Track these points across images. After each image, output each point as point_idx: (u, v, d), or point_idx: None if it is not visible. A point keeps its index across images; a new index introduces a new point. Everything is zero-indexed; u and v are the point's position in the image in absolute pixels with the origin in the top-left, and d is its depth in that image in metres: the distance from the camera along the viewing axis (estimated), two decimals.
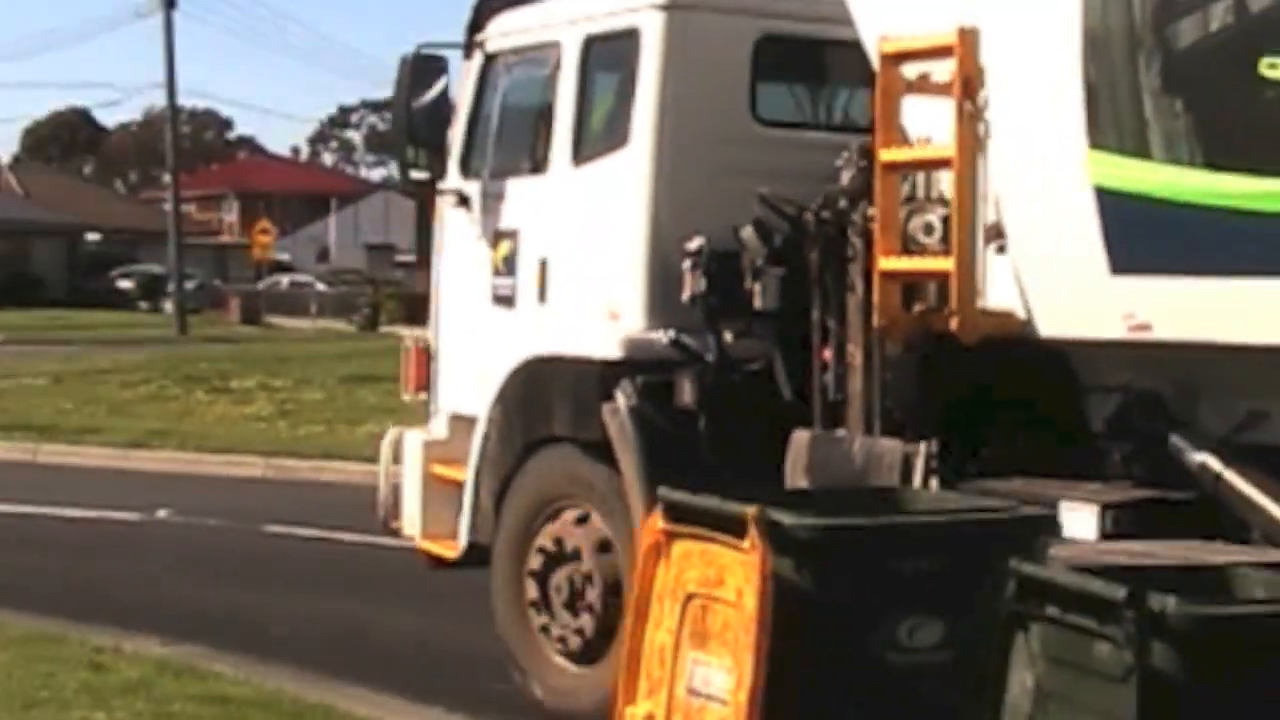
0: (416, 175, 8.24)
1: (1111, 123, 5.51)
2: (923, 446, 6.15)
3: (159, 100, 71.15)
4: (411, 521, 8.42)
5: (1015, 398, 6.11)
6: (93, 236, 61.47)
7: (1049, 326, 5.87)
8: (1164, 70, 5.37)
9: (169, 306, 43.38)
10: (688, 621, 5.11)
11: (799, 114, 7.75)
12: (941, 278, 6.03)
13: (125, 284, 55.83)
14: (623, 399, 7.21)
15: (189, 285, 45.05)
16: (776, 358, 6.92)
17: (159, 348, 30.51)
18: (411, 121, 8.14)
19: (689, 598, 5.12)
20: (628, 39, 7.56)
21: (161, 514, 13.52)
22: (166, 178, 47.95)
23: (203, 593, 10.32)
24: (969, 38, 5.90)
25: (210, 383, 22.66)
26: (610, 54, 7.68)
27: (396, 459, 8.56)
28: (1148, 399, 5.85)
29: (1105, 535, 5.67)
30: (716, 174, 7.23)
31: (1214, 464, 5.49)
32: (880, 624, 4.95)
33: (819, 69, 7.68)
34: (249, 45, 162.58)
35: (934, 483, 6.11)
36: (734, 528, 5.05)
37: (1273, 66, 5.00)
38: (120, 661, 7.90)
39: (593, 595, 7.40)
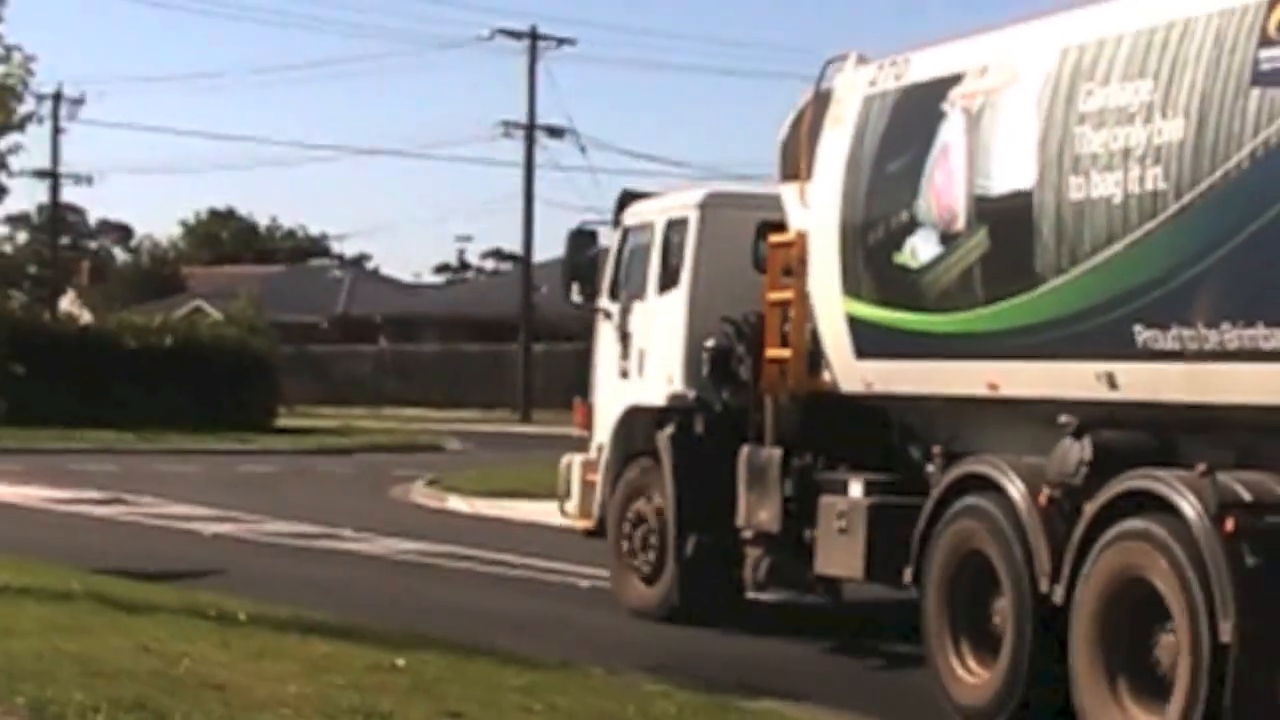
0: (575, 300, 15.14)
1: (851, 282, 11.68)
2: (779, 451, 12.47)
3: None
4: (571, 508, 15.20)
5: (834, 424, 12.27)
6: None
7: (843, 386, 12.03)
8: (865, 256, 11.52)
9: None
10: None
11: None
12: (792, 361, 12.35)
13: None
14: (667, 430, 13.81)
15: None
16: (743, 406, 13.31)
17: None
18: (574, 269, 15.05)
19: None
20: (683, 223, 14.20)
21: None
22: None
23: None
24: (800, 238, 12.23)
25: None
26: (676, 231, 14.31)
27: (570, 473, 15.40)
28: (889, 424, 11.92)
29: (865, 494, 11.78)
30: (729, 302, 13.67)
31: (974, 463, 11.38)
32: None
33: None
34: None
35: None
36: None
37: (899, 260, 11.09)
38: None
39: (654, 540, 13.98)
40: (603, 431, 15.01)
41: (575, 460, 15.28)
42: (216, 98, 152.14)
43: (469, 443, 40.82)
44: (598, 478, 14.84)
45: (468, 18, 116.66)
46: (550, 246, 59.50)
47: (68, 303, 69.01)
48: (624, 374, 14.81)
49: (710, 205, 14.19)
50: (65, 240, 77.07)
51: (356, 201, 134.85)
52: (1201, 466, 8.74)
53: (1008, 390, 10.37)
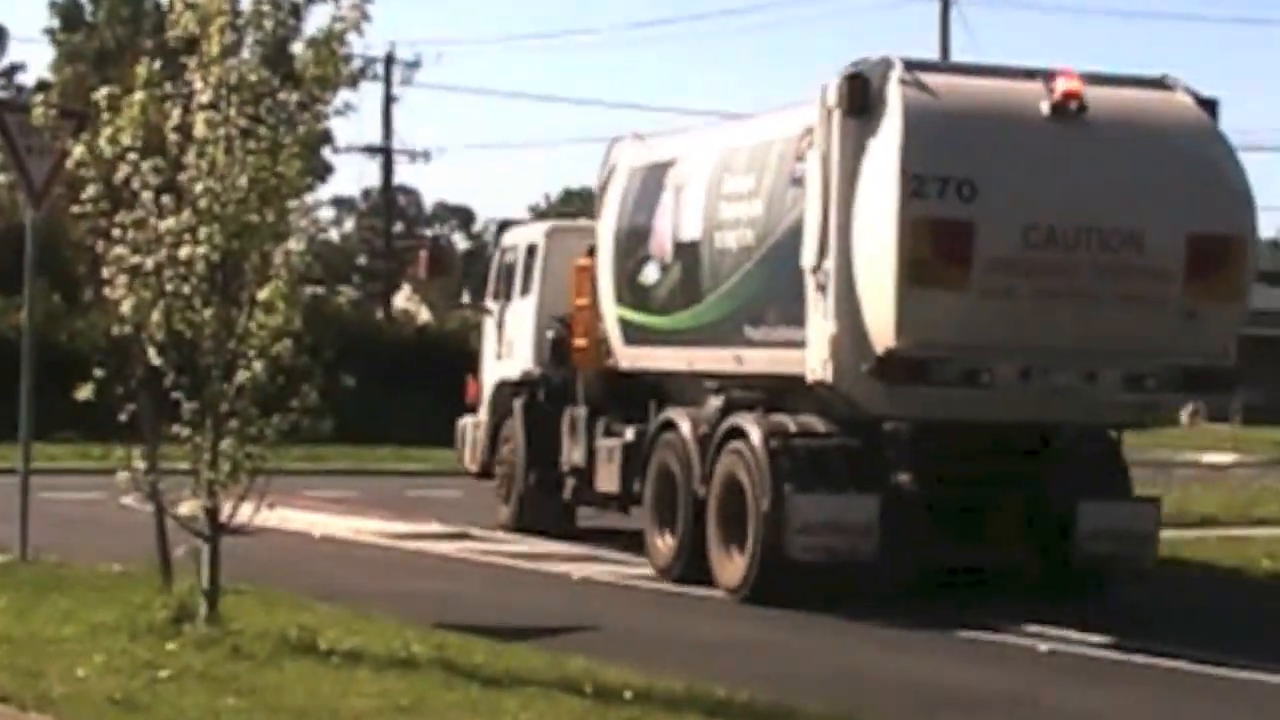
0: (464, 300, 22.95)
1: (619, 294, 19.27)
2: (585, 410, 20.11)
3: None
4: (467, 458, 22.95)
5: (619, 391, 19.85)
6: None
7: (621, 365, 19.64)
8: (625, 277, 19.08)
9: None
10: None
11: None
12: (590, 347, 20.04)
13: None
14: (520, 398, 21.55)
15: None
16: (570, 380, 20.97)
17: None
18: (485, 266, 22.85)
19: None
20: (536, 247, 21.91)
21: None
22: None
23: None
24: (593, 262, 19.90)
25: None
26: (531, 252, 22.00)
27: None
28: (648, 387, 19.52)
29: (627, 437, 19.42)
30: (566, 304, 21.29)
31: (669, 412, 18.84)
32: None
33: None
34: None
35: (600, 426, 19.96)
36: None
37: (641, 280, 18.66)
38: None
39: (510, 475, 21.72)
40: (485, 401, 22.73)
41: (469, 422, 22.99)
42: (576, 59, 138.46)
43: None
44: (482, 434, 22.55)
45: None
46: None
47: (403, 299, 63.44)
48: (499, 357, 22.46)
49: (554, 234, 21.83)
50: (398, 226, 71.30)
51: None
52: (759, 410, 16.34)
53: (696, 366, 17.96)
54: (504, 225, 23.22)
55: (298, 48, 12.42)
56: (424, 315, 55.54)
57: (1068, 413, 15.72)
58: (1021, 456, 16.25)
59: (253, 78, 12.20)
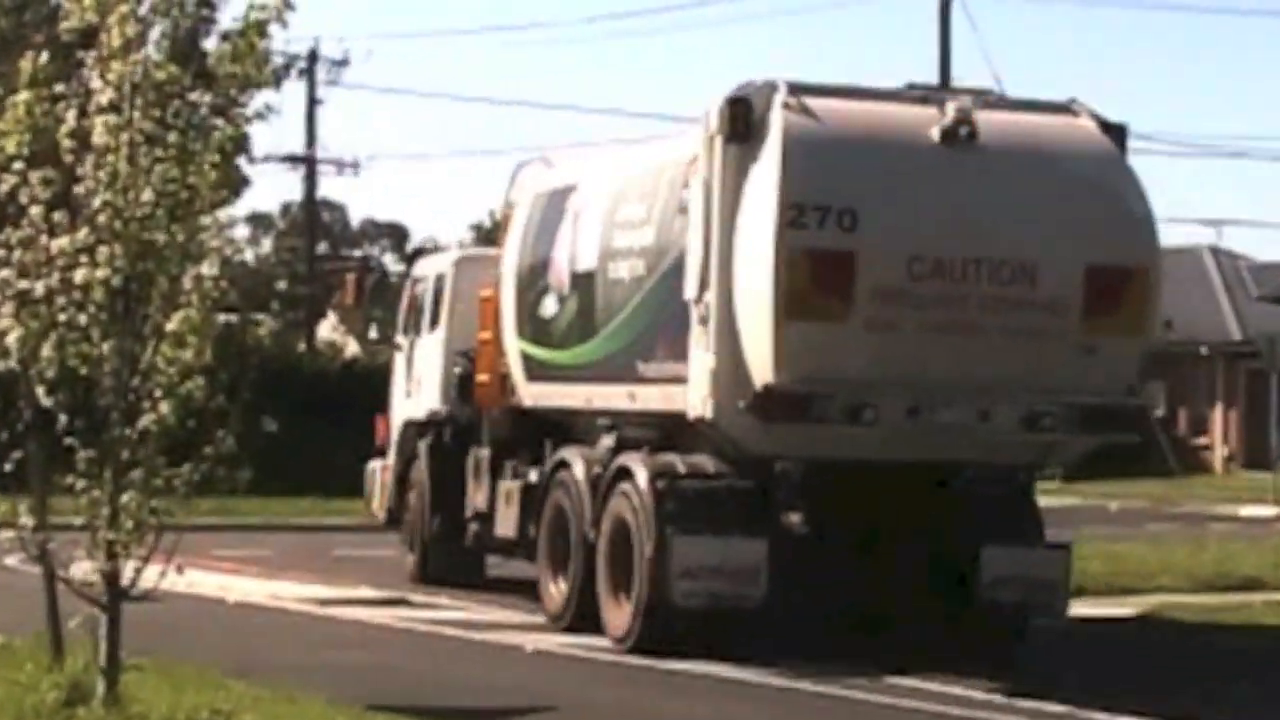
0: (372, 336, 23.75)
1: (520, 327, 20.01)
2: (488, 451, 20.86)
3: None
4: (375, 505, 23.68)
5: (524, 430, 20.59)
6: None
7: (525, 403, 20.37)
8: (527, 309, 19.82)
9: None
10: None
11: None
12: (492, 384, 20.79)
13: None
14: (426, 439, 22.27)
15: None
16: (477, 419, 21.73)
17: None
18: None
19: None
20: (444, 277, 22.68)
21: None
22: None
23: None
24: (496, 293, 20.66)
25: None
26: (440, 283, 22.77)
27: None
28: (552, 426, 20.24)
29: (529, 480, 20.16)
30: (474, 339, 22.09)
31: (563, 452, 19.50)
32: None
33: None
34: None
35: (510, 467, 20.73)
36: None
37: (541, 312, 19.44)
38: None
39: (416, 521, 22.44)
40: (394, 442, 23.49)
41: (377, 466, 23.75)
42: (529, 57, 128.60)
43: None
44: (390, 479, 23.31)
45: None
46: None
47: (327, 329, 61.31)
48: (408, 395, 23.24)
49: (463, 263, 22.60)
50: (322, 246, 67.91)
51: None
52: (646, 449, 17.08)
53: (594, 404, 18.69)
54: (415, 254, 23.99)
55: (211, 42, 12.36)
56: (351, 348, 53.19)
57: (961, 452, 16.42)
58: (921, 498, 16.93)
59: (160, 75, 11.65)
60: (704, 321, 16.25)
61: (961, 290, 15.82)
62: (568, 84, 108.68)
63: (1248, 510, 40.20)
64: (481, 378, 21.05)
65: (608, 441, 17.95)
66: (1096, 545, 25.10)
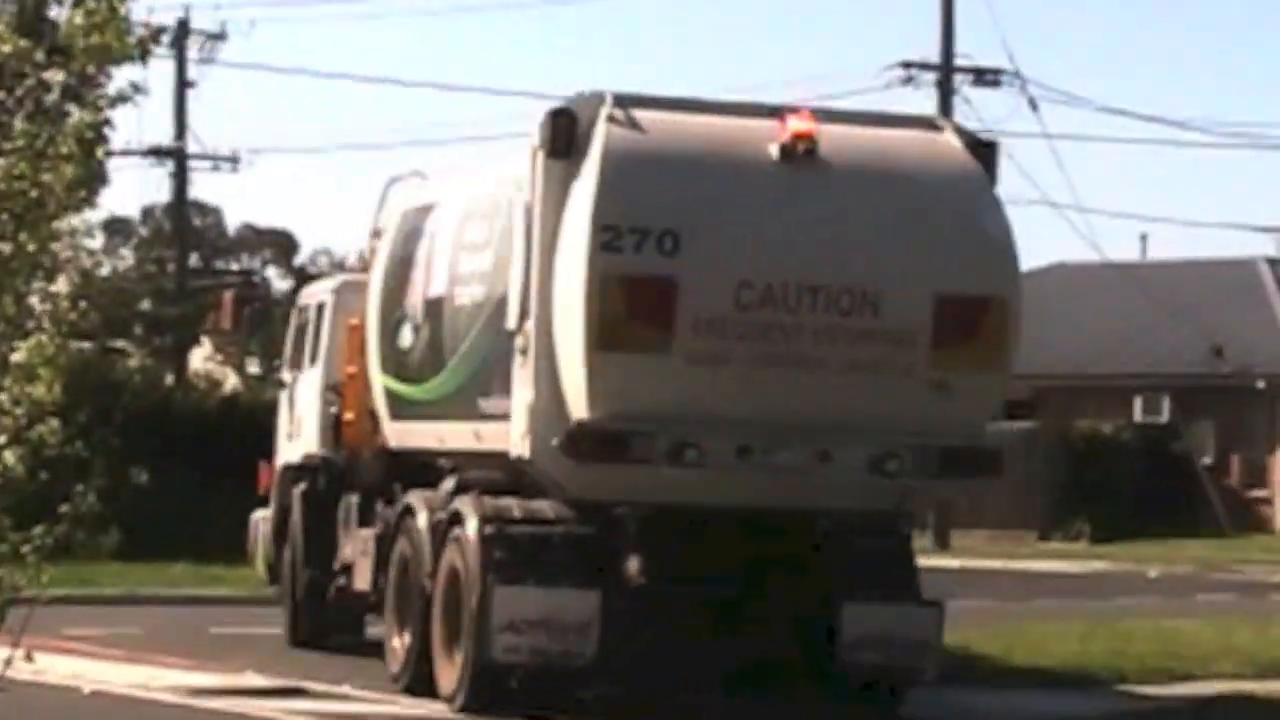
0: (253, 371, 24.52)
1: (383, 359, 20.77)
2: (357, 497, 21.59)
3: None
4: (259, 563, 24.43)
5: (394, 473, 21.35)
6: None
7: (391, 443, 21.14)
8: (388, 340, 20.56)
9: None
10: None
11: None
12: (358, 423, 21.56)
13: None
14: (300, 485, 23.03)
15: None
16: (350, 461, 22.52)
17: None
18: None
19: None
20: (324, 306, 23.47)
21: None
22: None
23: None
24: (362, 322, 21.45)
25: None
26: (319, 313, 23.57)
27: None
28: (414, 468, 20.98)
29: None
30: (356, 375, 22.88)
31: (409, 497, 20.16)
32: None
33: None
34: None
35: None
36: None
37: (400, 343, 20.19)
38: None
39: (289, 578, 23.22)
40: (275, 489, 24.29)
41: (259, 516, 24.54)
42: (452, 29, 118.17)
43: None
44: (269, 530, 24.09)
45: None
46: None
47: (200, 358, 57.30)
48: (290, 437, 24.07)
49: (344, 290, 23.40)
50: (194, 259, 63.68)
51: None
52: (476, 492, 17.80)
53: (447, 444, 19.41)
54: (302, 278, 24.78)
55: (62, 10, 10.91)
56: (232, 380, 49.63)
57: (802, 498, 16.96)
58: (776, 548, 17.52)
59: (4, 49, 10.80)
60: (524, 353, 16.94)
61: (796, 320, 16.41)
62: (489, 63, 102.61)
63: None
64: (348, 416, 21.78)
65: (449, 485, 18.65)
66: (1139, 621, 24.49)
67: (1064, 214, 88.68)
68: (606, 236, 16.22)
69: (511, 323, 17.04)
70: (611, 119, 16.62)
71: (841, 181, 16.75)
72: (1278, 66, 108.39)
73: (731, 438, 16.46)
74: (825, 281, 16.50)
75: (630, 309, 16.25)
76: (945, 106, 48.89)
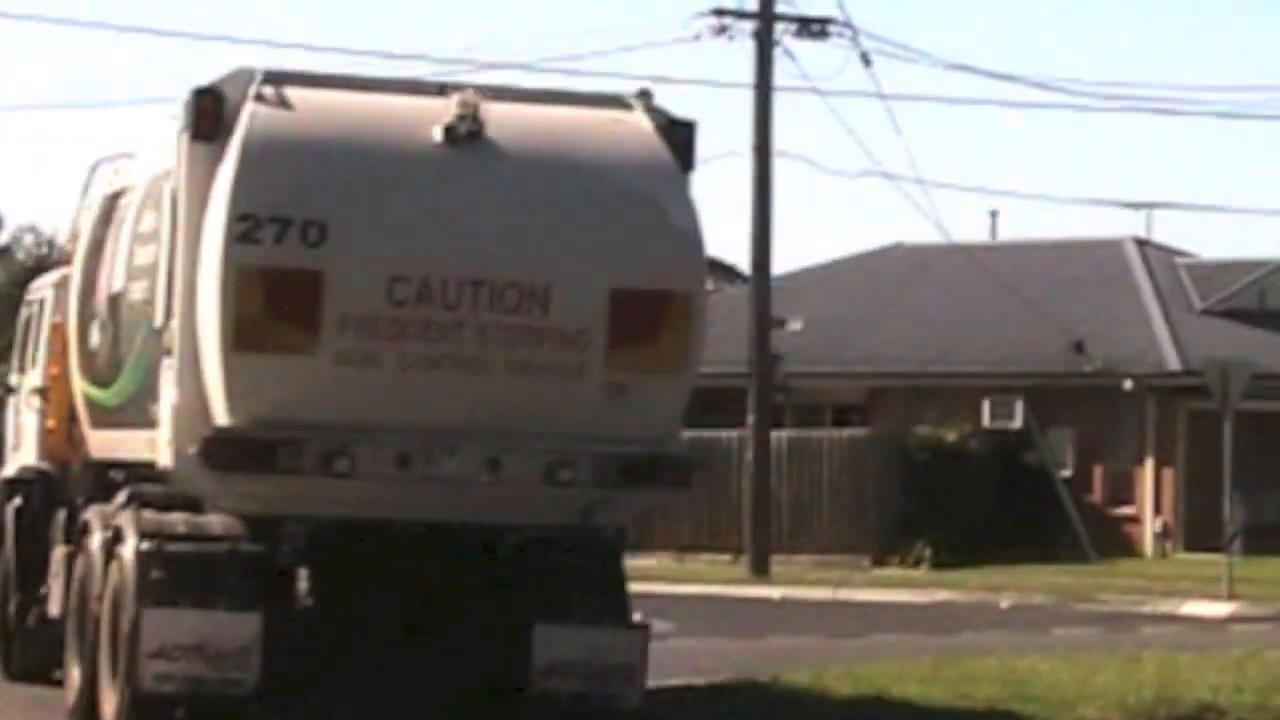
0: None
1: (80, 361, 20.86)
2: (64, 513, 21.67)
3: None
4: None
5: (102, 487, 21.51)
6: None
7: (93, 454, 21.23)
8: (82, 340, 20.61)
9: None
10: None
11: None
12: (59, 431, 21.67)
13: None
14: (14, 501, 23.03)
15: None
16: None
17: None
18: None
19: None
20: (44, 303, 23.57)
21: None
22: None
23: None
24: (58, 330, 21.53)
25: None
26: (41, 310, 23.68)
27: None
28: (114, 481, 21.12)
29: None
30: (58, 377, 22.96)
31: (88, 513, 20.24)
32: None
33: None
34: None
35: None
36: None
37: (91, 344, 20.27)
38: None
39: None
40: None
41: None
42: None
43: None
44: None
45: None
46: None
47: None
48: (15, 448, 24.15)
49: (62, 285, 23.52)
50: None
51: None
52: (136, 505, 17.88)
53: (137, 454, 19.50)
54: (36, 271, 24.90)
55: None
56: None
57: (474, 511, 17.01)
58: (461, 566, 17.63)
59: None
60: (169, 353, 17.03)
61: (456, 318, 16.47)
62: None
63: (1191, 607, 38.17)
64: (50, 423, 21.85)
65: (120, 498, 18.75)
66: (988, 659, 23.88)
67: (901, 186, 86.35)
68: (244, 226, 16.29)
69: (158, 319, 17.13)
70: (260, 98, 16.69)
71: (510, 166, 16.81)
72: (1152, 16, 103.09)
73: (389, 446, 16.54)
74: (489, 275, 16.56)
75: (270, 305, 16.32)
76: (764, 60, 46.65)
